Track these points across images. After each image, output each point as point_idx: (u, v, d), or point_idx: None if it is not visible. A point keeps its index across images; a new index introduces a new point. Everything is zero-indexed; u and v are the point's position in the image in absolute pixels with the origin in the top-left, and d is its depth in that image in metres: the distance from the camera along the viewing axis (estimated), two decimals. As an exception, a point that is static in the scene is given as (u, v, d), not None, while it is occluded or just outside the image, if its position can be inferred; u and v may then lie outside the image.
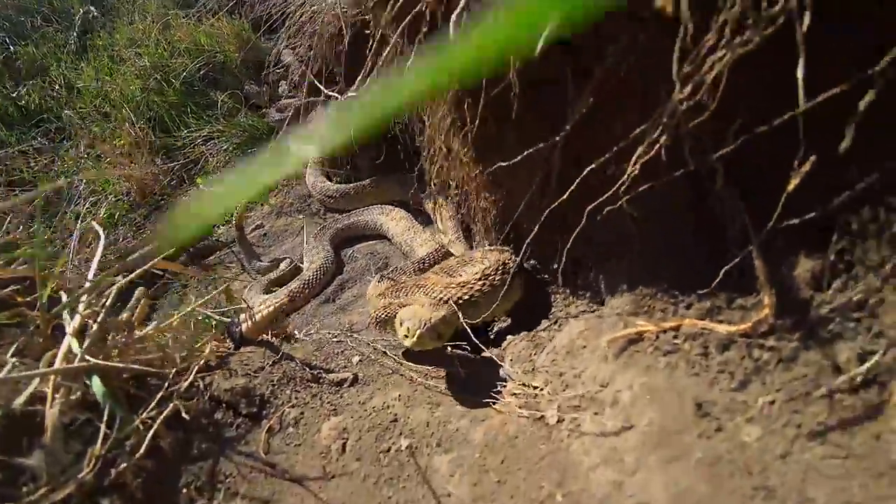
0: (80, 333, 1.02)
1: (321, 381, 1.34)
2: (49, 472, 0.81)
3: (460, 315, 1.30)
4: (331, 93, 1.79)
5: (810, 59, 0.71)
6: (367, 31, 1.93)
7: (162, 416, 0.95)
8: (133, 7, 4.05)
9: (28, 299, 1.19)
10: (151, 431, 0.92)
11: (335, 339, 1.67)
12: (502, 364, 1.28)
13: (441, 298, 1.39)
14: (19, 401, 0.88)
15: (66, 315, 1.07)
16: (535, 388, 1.16)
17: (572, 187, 1.08)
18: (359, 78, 1.61)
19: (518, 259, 1.44)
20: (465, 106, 1.22)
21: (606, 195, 1.05)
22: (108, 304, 1.05)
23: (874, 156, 0.80)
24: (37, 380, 0.91)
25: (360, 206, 2.74)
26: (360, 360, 1.52)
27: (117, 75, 3.50)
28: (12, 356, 0.99)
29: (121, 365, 0.96)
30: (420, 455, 1.05)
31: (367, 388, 1.34)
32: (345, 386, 1.35)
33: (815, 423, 0.82)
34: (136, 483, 0.88)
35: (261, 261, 2.54)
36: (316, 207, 2.95)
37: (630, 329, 1.02)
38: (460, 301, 1.38)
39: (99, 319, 1.01)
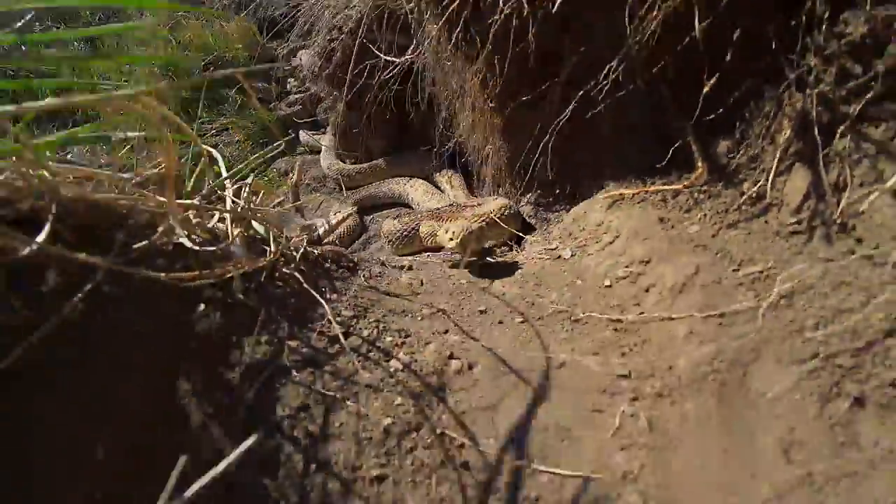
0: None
1: (385, 265, 1.89)
2: (244, 257, 1.33)
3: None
4: (388, 58, 2.42)
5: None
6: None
7: (301, 250, 1.48)
8: (140, 10, 4.65)
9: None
10: (299, 255, 1.45)
11: (383, 257, 2.22)
12: (524, 244, 1.90)
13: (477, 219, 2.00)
14: (210, 223, 1.40)
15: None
16: (553, 247, 1.76)
17: (568, 112, 1.76)
18: (410, 47, 2.27)
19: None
20: (495, 63, 1.89)
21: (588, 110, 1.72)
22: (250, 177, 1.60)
23: (750, 72, 1.51)
24: (217, 216, 1.43)
25: (375, 182, 3.34)
26: (410, 261, 2.08)
27: (129, 74, 4.05)
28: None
29: (271, 209, 1.50)
30: (477, 286, 1.62)
31: (422, 271, 1.90)
32: (405, 269, 1.90)
33: (731, 221, 1.46)
34: (293, 280, 1.40)
35: (305, 218, 3.06)
36: (332, 186, 3.51)
37: (615, 192, 1.66)
38: (486, 223, 2.00)
39: (250, 182, 1.56)
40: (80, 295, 0.95)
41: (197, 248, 1.18)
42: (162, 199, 1.29)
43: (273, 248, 1.39)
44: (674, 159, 1.67)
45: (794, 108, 1.44)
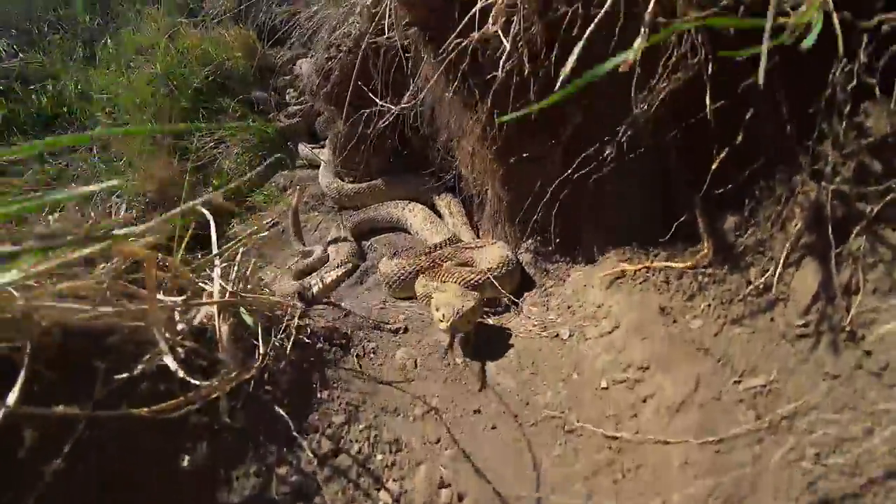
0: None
1: (381, 329, 1.84)
2: (232, 363, 1.28)
3: (483, 299, 1.78)
4: (384, 103, 2.30)
5: (716, 93, 1.29)
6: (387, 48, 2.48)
7: (291, 339, 1.44)
8: (139, 16, 4.48)
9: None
10: (290, 344, 1.41)
11: (379, 307, 2.17)
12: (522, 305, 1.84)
13: (470, 283, 1.92)
14: (197, 320, 1.35)
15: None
16: (551, 319, 1.70)
17: (568, 172, 1.65)
18: (407, 93, 2.15)
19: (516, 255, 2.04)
20: (494, 117, 1.77)
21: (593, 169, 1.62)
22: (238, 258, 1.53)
23: (762, 150, 1.39)
24: (205, 308, 1.38)
25: (373, 204, 3.24)
26: (406, 318, 2.02)
27: (127, 82, 3.91)
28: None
29: (260, 295, 1.45)
30: (472, 365, 1.57)
31: (417, 333, 1.85)
32: (400, 333, 1.86)
33: (736, 315, 1.39)
34: (284, 379, 1.36)
35: (304, 245, 3.01)
36: (330, 205, 3.43)
37: (616, 269, 1.58)
38: (482, 283, 1.92)
39: (236, 268, 1.49)
40: (58, 460, 0.92)
41: (181, 371, 1.13)
42: (143, 299, 1.24)
43: (262, 350, 1.35)
44: (679, 229, 1.58)
45: (807, 198, 1.33)
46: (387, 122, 2.37)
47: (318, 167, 3.64)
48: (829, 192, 1.25)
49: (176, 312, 1.31)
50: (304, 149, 3.75)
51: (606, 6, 1.25)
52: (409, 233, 3.05)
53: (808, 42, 0.81)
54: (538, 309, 1.80)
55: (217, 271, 1.48)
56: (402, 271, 2.27)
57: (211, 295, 1.43)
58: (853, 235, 1.25)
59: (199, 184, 3.64)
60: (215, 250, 1.56)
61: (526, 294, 1.99)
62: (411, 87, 2.19)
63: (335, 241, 2.95)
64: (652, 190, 1.67)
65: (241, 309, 1.42)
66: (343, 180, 3.44)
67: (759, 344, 1.32)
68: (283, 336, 1.46)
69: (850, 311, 1.25)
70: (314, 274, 2.31)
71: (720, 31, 1.28)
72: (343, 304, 2.18)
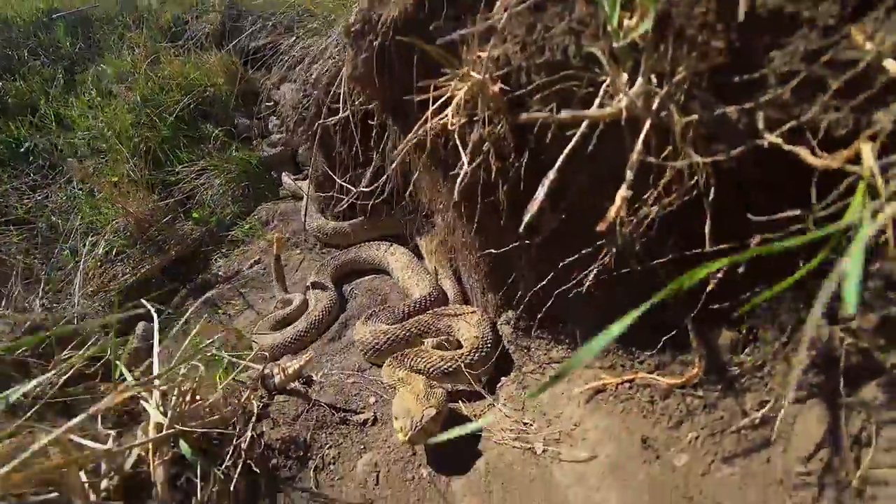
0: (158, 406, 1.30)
1: (348, 422, 1.66)
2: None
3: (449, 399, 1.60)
4: (344, 183, 2.06)
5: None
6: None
7: (238, 471, 1.25)
8: (121, 41, 4.18)
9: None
10: (233, 483, 1.23)
11: (350, 381, 1.98)
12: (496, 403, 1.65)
13: (441, 370, 1.74)
14: (128, 464, 1.17)
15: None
16: (525, 423, 1.51)
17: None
18: (369, 171, 1.92)
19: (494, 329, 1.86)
20: (463, 208, 1.55)
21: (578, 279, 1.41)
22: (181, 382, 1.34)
23: (767, 272, 1.18)
24: (137, 449, 1.19)
25: (356, 243, 3.03)
26: (375, 401, 1.84)
27: (108, 109, 3.66)
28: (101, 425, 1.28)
29: (198, 430, 1.26)
30: (438, 481, 1.39)
31: (386, 426, 1.66)
32: (368, 425, 1.67)
33: (727, 451, 1.19)
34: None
35: (287, 293, 2.81)
36: (312, 242, 3.22)
37: (597, 382, 1.39)
38: (454, 370, 1.73)
39: (175, 393, 1.30)
40: None
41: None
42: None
43: (199, 497, 1.16)
44: (669, 338, 1.38)
45: (817, 336, 1.13)
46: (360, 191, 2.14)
47: (301, 199, 3.41)
48: (845, 341, 1.04)
49: (103, 463, 1.13)
50: (287, 179, 3.52)
51: (582, 128, 1.03)
52: (390, 275, 2.85)
53: None
54: (513, 404, 1.60)
55: (156, 396, 1.30)
56: (377, 340, 2.08)
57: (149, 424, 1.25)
58: (870, 386, 1.05)
59: (181, 217, 3.42)
60: (156, 369, 1.37)
61: (504, 379, 1.80)
62: (376, 158, 1.97)
63: (315, 284, 2.75)
64: (640, 293, 1.45)
65: (182, 442, 1.23)
66: (325, 216, 3.22)
67: (752, 490, 1.13)
68: (230, 463, 1.28)
69: (859, 466, 1.05)
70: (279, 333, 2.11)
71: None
72: (314, 377, 2.00)
